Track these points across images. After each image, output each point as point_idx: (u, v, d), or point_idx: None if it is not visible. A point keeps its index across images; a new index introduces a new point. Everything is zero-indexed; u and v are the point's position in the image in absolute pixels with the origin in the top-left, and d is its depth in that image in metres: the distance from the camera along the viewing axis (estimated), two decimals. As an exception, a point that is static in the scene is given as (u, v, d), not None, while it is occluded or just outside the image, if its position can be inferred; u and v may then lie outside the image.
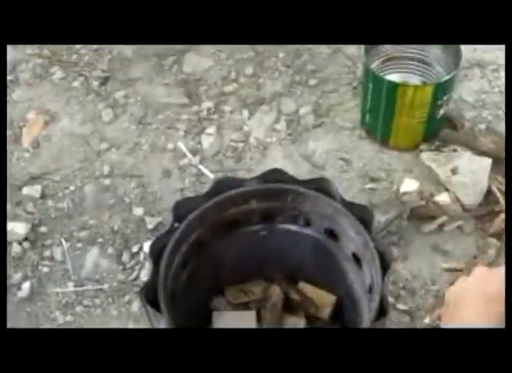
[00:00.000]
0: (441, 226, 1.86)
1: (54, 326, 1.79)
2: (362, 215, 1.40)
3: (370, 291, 1.38)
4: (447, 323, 1.09)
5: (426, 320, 1.71)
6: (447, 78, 1.87)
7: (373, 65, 1.95)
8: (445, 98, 1.90)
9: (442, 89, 1.87)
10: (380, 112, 1.95)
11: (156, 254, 1.37)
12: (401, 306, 1.73)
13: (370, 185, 1.96)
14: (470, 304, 1.07)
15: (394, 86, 1.86)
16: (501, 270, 1.09)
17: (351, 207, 1.42)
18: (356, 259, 1.46)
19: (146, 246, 1.86)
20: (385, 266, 1.32)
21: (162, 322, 1.29)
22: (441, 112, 1.94)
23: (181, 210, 1.43)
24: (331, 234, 1.51)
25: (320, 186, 1.46)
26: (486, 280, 1.10)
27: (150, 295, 1.31)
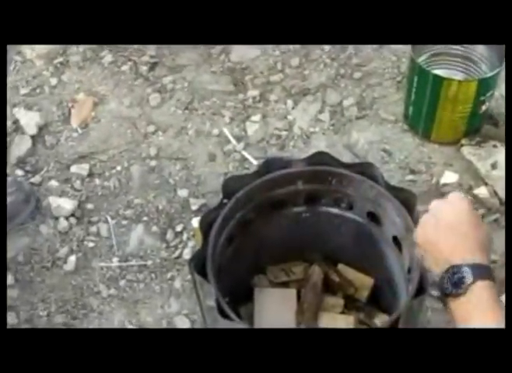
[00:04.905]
0: (479, 218, 1.89)
1: (99, 299, 1.85)
2: (405, 199, 1.44)
3: (409, 272, 1.42)
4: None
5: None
6: (491, 74, 1.90)
7: (419, 59, 1.99)
8: (488, 94, 1.94)
9: (485, 85, 1.91)
10: (424, 105, 1.99)
11: (205, 228, 1.42)
12: (434, 293, 1.76)
13: (410, 177, 2.01)
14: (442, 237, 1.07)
15: (439, 80, 1.90)
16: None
17: (394, 191, 1.47)
18: (397, 242, 1.50)
19: (195, 221, 1.91)
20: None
21: (208, 293, 1.34)
22: (483, 108, 1.98)
23: (231, 187, 1.48)
24: (373, 217, 1.55)
25: (365, 170, 1.50)
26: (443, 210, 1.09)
27: (198, 266, 1.36)
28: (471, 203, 1.10)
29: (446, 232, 1.06)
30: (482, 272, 1.01)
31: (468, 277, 0.99)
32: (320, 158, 1.52)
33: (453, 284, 1.00)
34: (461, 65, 2.05)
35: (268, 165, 1.51)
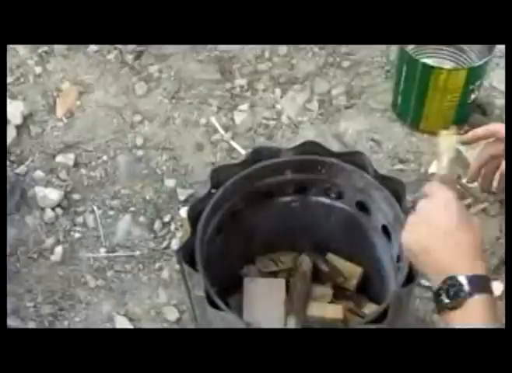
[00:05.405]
0: (467, 208, 1.89)
1: (86, 290, 1.84)
2: (394, 188, 1.44)
3: (398, 261, 1.42)
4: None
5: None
6: (480, 62, 1.90)
7: (408, 48, 1.98)
8: (477, 83, 1.93)
9: (475, 74, 1.90)
10: (413, 95, 1.98)
11: (193, 217, 1.41)
12: (424, 282, 1.76)
13: (399, 166, 2.00)
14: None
15: (428, 69, 1.89)
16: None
17: (384, 180, 1.46)
18: (386, 231, 1.50)
19: (183, 211, 1.90)
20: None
21: (196, 283, 1.33)
22: (472, 97, 1.97)
23: (219, 176, 1.47)
24: (363, 207, 1.54)
25: (355, 159, 1.49)
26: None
27: (187, 256, 1.35)
28: (455, 194, 1.10)
29: (440, 239, 1.03)
30: (479, 284, 0.98)
31: (466, 289, 0.97)
32: (310, 147, 1.51)
33: (449, 296, 0.98)
34: (450, 54, 2.04)
35: (257, 155, 1.50)
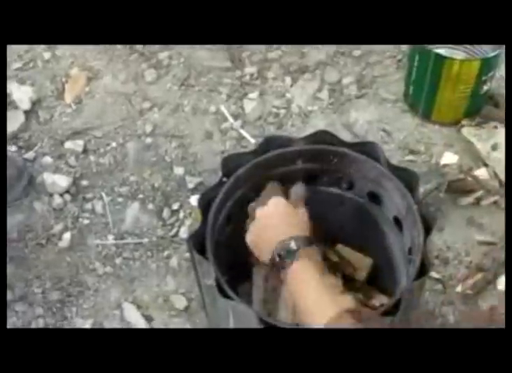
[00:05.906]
0: (478, 200, 1.88)
1: (94, 276, 1.83)
2: (407, 179, 1.42)
3: (410, 253, 1.41)
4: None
5: (458, 289, 1.74)
6: (493, 54, 1.88)
7: (421, 38, 1.97)
8: (490, 74, 1.92)
9: (488, 65, 1.89)
10: (425, 85, 1.97)
11: (204, 206, 1.40)
12: (434, 274, 1.76)
13: (410, 157, 1.99)
14: None
15: (440, 59, 1.88)
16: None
17: (396, 171, 1.44)
18: (398, 222, 1.48)
19: (193, 199, 1.89)
20: (427, 228, 1.34)
21: (206, 271, 1.32)
22: (485, 88, 1.96)
23: (230, 165, 1.45)
24: (374, 197, 1.53)
25: (367, 149, 1.48)
26: None
27: (197, 244, 1.34)
28: (287, 202, 1.31)
29: (266, 226, 1.28)
30: (303, 240, 1.22)
31: (293, 245, 1.20)
32: (322, 136, 1.49)
33: (284, 255, 1.20)
34: (462, 45, 2.02)
35: (268, 144, 1.49)
